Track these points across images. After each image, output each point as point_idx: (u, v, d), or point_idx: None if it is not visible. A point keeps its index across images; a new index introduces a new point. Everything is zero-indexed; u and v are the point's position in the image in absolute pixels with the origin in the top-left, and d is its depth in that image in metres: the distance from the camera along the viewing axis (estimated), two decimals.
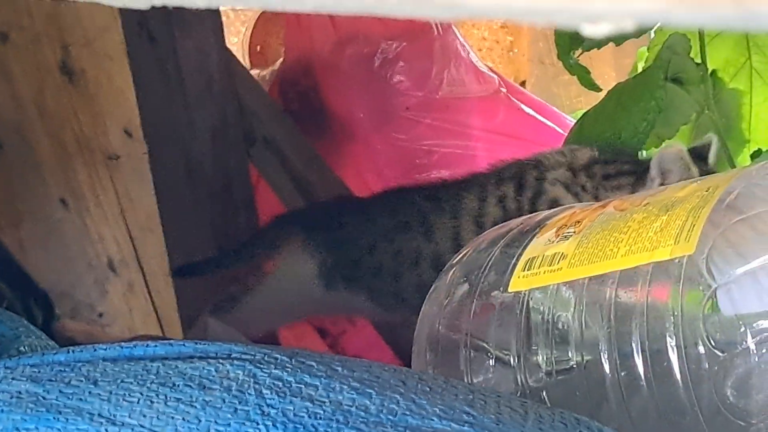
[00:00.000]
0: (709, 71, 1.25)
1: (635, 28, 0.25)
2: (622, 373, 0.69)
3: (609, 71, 1.89)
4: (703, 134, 1.18)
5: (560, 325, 0.74)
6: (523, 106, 1.52)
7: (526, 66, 2.02)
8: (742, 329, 0.63)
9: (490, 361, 0.77)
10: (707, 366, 0.64)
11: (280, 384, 0.55)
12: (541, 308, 0.76)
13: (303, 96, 1.58)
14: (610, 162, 1.11)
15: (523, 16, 0.26)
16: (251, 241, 1.30)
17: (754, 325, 0.63)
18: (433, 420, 0.53)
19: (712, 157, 1.10)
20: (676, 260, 0.66)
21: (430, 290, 0.87)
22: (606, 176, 1.09)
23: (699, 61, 1.23)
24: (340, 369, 0.57)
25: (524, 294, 0.77)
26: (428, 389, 0.57)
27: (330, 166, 1.53)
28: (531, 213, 1.04)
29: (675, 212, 0.70)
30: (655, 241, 0.69)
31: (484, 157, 1.49)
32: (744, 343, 0.63)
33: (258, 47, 1.70)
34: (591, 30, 0.26)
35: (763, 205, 0.66)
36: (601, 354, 0.70)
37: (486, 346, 0.78)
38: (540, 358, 0.75)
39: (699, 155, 1.10)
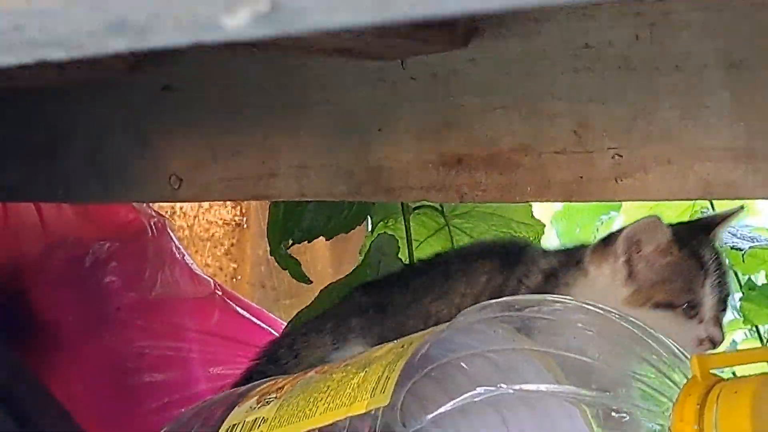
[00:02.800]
0: None
1: None
2: None
3: (327, 269, 1.92)
4: None
5: None
6: (238, 309, 1.52)
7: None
8: None
9: None
10: None
11: None
12: None
13: (10, 302, 1.52)
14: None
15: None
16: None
17: None
18: None
19: (721, 230, 0.93)
20: (372, 412, 0.67)
21: None
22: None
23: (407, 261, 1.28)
24: None
25: None
26: None
27: (37, 375, 1.45)
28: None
29: (372, 368, 0.71)
30: (353, 396, 0.69)
31: (198, 359, 1.47)
32: None
33: None
34: (230, 21, 0.26)
35: (448, 358, 0.69)
36: None
37: None
38: None
39: (703, 226, 0.93)
